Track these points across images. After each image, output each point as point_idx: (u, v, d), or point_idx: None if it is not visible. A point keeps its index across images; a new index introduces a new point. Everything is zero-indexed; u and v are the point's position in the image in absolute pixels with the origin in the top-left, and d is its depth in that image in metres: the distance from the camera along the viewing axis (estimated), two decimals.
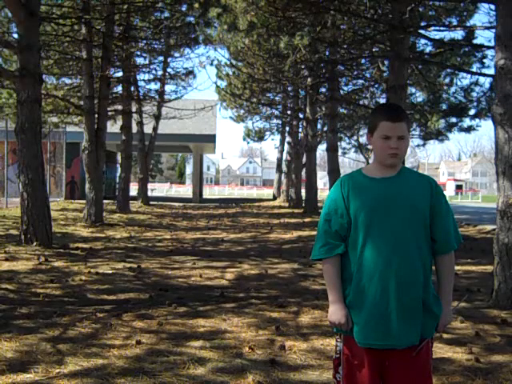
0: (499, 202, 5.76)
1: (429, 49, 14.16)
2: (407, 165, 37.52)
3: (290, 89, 22.47)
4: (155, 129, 23.60)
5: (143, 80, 21.27)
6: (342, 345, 2.32)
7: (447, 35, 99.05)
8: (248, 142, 31.57)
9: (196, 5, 12.61)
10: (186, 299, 5.79)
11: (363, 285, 2.24)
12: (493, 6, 6.71)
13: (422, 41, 14.83)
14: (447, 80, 15.93)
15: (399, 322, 2.20)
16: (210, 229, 14.09)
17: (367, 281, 2.23)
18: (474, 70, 13.83)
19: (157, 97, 21.93)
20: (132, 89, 19.69)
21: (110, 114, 17.81)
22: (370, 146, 2.41)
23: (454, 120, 17.31)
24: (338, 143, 21.17)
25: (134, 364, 3.78)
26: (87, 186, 13.85)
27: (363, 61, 16.32)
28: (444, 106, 16.63)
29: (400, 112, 2.32)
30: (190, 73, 20.41)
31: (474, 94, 14.99)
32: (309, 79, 18.02)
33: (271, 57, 15.43)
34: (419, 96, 18.83)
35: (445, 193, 2.40)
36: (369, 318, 2.22)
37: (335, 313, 2.29)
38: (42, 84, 9.95)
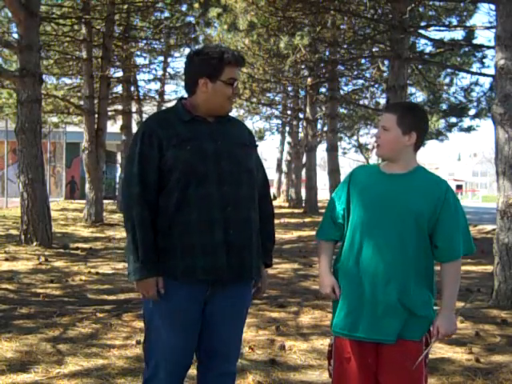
0: (499, 201, 5.76)
1: (429, 49, 14.18)
2: None
3: (290, 89, 22.45)
4: None
5: (143, 80, 21.31)
6: (334, 337, 2.35)
7: (447, 35, 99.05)
8: None
9: (196, 5, 12.60)
10: None
11: (344, 275, 2.30)
12: (493, 6, 6.71)
13: (422, 41, 14.85)
14: (447, 80, 15.95)
15: (369, 316, 2.21)
16: None
17: (346, 271, 2.29)
18: (473, 70, 13.86)
19: (157, 97, 21.91)
20: (132, 89, 19.67)
21: (110, 114, 17.79)
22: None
23: (454, 120, 17.32)
24: (338, 143, 21.15)
25: (133, 364, 3.77)
26: (87, 186, 13.84)
27: (363, 61, 16.33)
28: (444, 106, 16.64)
29: (394, 104, 2.40)
30: None
31: (474, 94, 15.02)
32: (309, 79, 18.01)
33: (271, 57, 15.41)
34: (419, 96, 18.84)
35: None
36: (342, 308, 2.28)
37: (321, 283, 2.36)
38: (42, 84, 9.94)
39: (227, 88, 2.30)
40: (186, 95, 2.44)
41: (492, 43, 10.31)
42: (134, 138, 2.38)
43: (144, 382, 2.38)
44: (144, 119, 2.62)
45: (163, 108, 23.36)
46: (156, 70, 20.75)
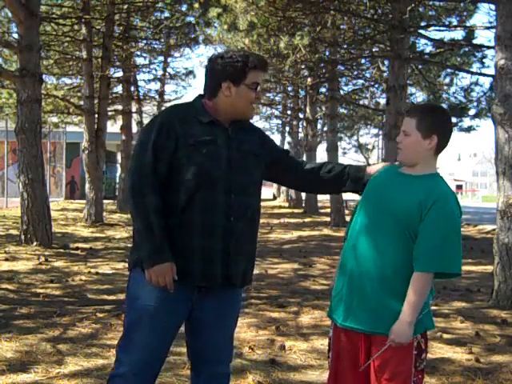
0: (499, 201, 5.76)
1: (429, 49, 14.18)
2: None
3: (290, 89, 22.45)
4: None
5: (143, 80, 21.27)
6: (331, 331, 2.39)
7: (447, 35, 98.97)
8: None
9: (196, 5, 12.59)
10: None
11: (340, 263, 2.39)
12: (493, 6, 6.71)
13: (422, 41, 14.85)
14: (447, 80, 15.94)
15: (347, 302, 2.26)
16: None
17: (341, 260, 2.38)
18: (473, 70, 13.85)
19: (157, 97, 21.92)
20: (132, 89, 19.68)
21: (109, 113, 17.79)
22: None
23: (453, 120, 17.29)
24: (338, 143, 21.14)
25: None
26: (87, 186, 13.85)
27: (363, 61, 16.31)
28: (444, 106, 16.62)
29: (414, 107, 2.39)
30: (190, 73, 20.39)
31: (474, 94, 15.00)
32: (309, 79, 18.00)
33: (271, 57, 15.40)
34: (419, 96, 18.85)
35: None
36: (333, 292, 2.38)
37: None
38: (42, 84, 9.94)
39: (251, 92, 2.27)
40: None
41: (492, 43, 10.31)
42: (148, 126, 2.30)
43: (110, 377, 2.32)
44: (162, 110, 2.46)
45: (162, 108, 23.42)
46: (156, 70, 20.77)
